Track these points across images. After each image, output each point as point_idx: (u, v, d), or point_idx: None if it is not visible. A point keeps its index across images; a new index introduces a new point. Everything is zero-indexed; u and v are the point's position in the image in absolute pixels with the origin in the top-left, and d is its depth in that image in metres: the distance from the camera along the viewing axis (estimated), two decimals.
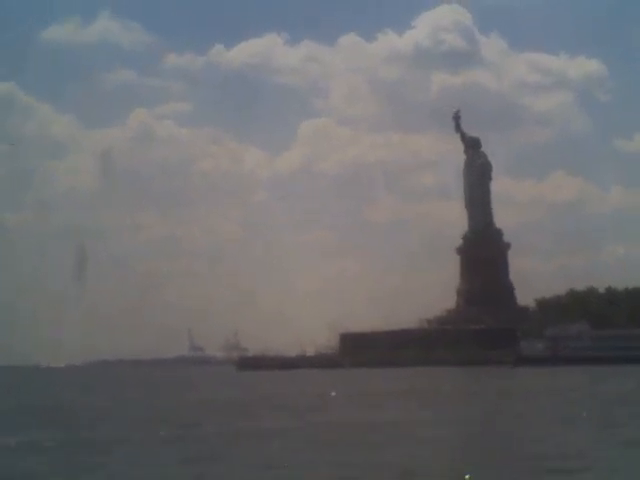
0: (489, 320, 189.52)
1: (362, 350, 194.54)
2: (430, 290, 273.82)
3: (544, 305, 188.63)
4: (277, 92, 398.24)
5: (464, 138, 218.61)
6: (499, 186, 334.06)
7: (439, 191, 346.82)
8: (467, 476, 27.12)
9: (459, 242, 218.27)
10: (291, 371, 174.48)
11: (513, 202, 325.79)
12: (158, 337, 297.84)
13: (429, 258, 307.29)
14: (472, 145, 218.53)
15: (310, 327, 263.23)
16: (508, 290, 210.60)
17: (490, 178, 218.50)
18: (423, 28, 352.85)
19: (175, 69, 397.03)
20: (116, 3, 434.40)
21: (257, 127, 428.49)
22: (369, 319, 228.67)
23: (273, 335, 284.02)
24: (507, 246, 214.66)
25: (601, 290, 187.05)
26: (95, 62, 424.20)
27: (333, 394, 77.85)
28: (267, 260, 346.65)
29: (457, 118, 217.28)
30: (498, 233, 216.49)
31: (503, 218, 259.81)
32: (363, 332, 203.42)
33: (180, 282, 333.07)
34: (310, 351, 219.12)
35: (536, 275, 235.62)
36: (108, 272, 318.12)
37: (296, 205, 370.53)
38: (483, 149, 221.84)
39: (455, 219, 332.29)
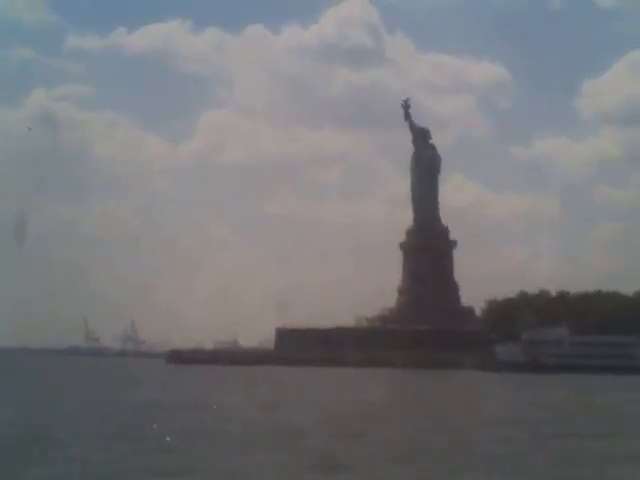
0: (433, 320, 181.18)
1: (299, 346, 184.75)
2: (346, 286, 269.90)
3: (495, 306, 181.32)
4: (180, 79, 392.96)
5: (413, 128, 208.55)
6: (394, 187, 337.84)
7: (340, 187, 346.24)
8: None
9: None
10: (227, 367, 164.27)
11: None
12: (50, 325, 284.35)
13: (340, 254, 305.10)
14: (421, 136, 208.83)
15: (209, 322, 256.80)
16: (453, 289, 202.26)
17: (438, 171, 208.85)
18: (329, 23, 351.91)
19: (75, 50, 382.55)
20: None
21: (158, 114, 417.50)
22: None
23: (169, 328, 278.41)
24: (453, 244, 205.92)
25: (553, 293, 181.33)
26: None
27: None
28: (164, 251, 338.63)
29: (406, 107, 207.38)
30: (444, 229, 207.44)
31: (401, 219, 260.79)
32: (301, 328, 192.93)
33: (74, 270, 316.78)
34: (208, 345, 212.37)
35: None
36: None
37: (195, 196, 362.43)
38: (432, 141, 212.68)
39: (365, 215, 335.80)
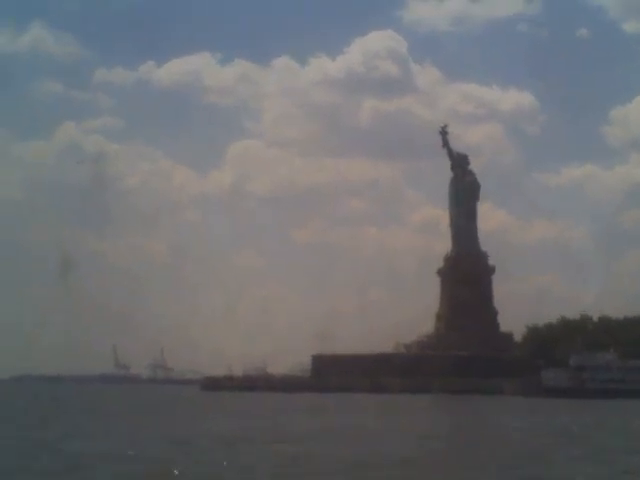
0: (472, 347, 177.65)
1: (335, 373, 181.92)
2: (379, 314, 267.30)
3: (536, 332, 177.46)
4: (208, 111, 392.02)
5: (451, 154, 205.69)
6: (425, 215, 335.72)
7: (370, 216, 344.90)
8: None
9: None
10: (261, 393, 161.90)
11: (440, 232, 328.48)
12: (81, 354, 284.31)
13: (371, 282, 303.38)
14: (460, 162, 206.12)
15: (238, 350, 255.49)
16: (492, 315, 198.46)
17: (477, 198, 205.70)
18: (356, 53, 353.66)
19: (105, 84, 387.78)
20: (51, 12, 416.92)
21: (187, 146, 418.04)
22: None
23: (198, 356, 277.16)
24: (492, 269, 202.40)
25: (594, 318, 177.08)
26: (25, 72, 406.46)
27: None
28: (194, 281, 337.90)
29: (444, 133, 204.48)
30: (483, 255, 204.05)
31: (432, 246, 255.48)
32: (338, 354, 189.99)
33: (105, 299, 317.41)
34: (237, 372, 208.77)
35: None
36: (32, 286, 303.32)
37: (224, 226, 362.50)
38: (471, 167, 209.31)
39: (394, 243, 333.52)
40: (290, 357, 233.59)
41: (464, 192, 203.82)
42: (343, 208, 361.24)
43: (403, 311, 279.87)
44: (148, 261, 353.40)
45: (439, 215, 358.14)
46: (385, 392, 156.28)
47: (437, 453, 45.91)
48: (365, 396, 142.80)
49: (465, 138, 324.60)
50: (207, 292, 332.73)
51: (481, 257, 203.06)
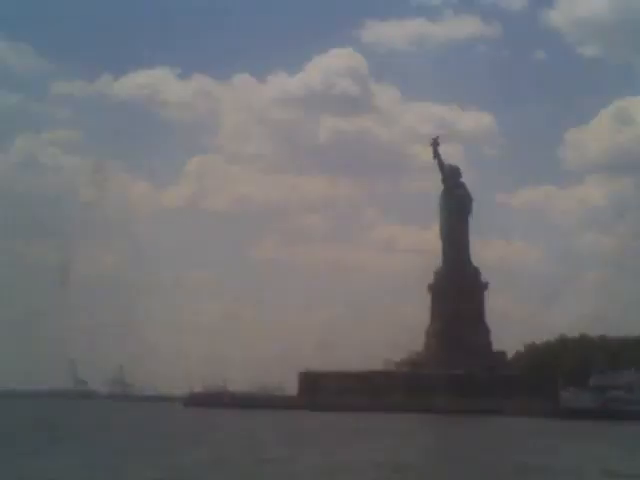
0: (467, 365, 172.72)
1: (323, 392, 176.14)
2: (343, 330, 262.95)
3: (534, 351, 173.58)
4: (166, 126, 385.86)
5: (442, 167, 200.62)
6: (386, 232, 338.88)
7: (326, 233, 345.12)
8: None
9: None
10: (253, 411, 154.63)
11: (397, 249, 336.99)
12: (37, 368, 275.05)
13: (330, 299, 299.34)
14: (451, 175, 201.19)
15: (197, 364, 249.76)
16: (485, 333, 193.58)
17: (470, 211, 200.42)
18: (315, 71, 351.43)
19: (62, 96, 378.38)
20: (8, 23, 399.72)
21: (144, 160, 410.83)
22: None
23: (158, 372, 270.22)
24: (484, 286, 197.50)
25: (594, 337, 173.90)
26: None
27: None
28: (149, 297, 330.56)
29: (435, 145, 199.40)
30: (475, 271, 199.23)
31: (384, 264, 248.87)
32: (326, 372, 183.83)
33: (61, 313, 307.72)
34: (198, 389, 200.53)
35: None
36: None
37: (180, 241, 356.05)
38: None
39: (351, 260, 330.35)
40: (254, 374, 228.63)
41: (456, 205, 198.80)
42: (298, 225, 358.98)
43: (375, 328, 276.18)
44: (104, 275, 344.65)
45: (399, 232, 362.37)
46: (382, 411, 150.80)
47: None
48: (362, 415, 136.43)
49: (423, 158, 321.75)
50: (163, 308, 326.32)
51: (473, 272, 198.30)
